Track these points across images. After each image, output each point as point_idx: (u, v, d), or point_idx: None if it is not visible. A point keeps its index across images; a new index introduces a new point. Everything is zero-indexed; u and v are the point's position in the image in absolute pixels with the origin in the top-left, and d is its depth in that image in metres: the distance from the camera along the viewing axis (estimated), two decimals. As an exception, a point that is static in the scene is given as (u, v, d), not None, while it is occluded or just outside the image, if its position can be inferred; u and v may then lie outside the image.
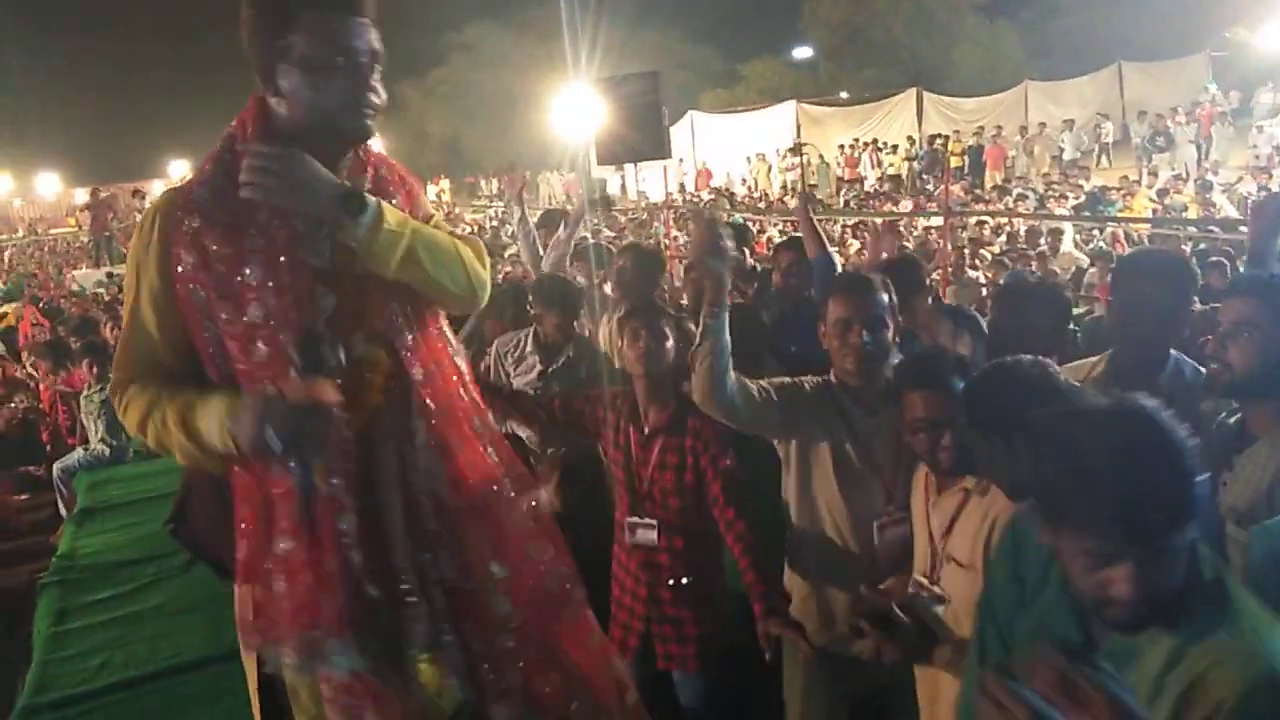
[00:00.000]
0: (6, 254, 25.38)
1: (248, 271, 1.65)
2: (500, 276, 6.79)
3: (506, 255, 10.51)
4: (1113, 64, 22.43)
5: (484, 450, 1.89)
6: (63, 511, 6.03)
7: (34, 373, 8.20)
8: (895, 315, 2.53)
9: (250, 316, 1.66)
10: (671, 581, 2.77)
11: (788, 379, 2.57)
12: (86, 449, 6.30)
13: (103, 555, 4.65)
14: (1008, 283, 3.56)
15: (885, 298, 2.50)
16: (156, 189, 24.24)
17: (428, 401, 1.82)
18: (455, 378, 1.89)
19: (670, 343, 2.79)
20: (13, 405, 7.86)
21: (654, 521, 2.77)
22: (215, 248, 1.66)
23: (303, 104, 1.68)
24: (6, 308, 14.25)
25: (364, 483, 1.76)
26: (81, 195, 25.50)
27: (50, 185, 35.40)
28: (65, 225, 28.77)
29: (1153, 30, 22.82)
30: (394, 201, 1.80)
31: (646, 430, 2.81)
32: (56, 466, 6.33)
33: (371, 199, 1.70)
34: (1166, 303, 2.55)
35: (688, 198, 22.45)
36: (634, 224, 16.59)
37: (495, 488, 1.88)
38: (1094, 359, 2.72)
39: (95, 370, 6.27)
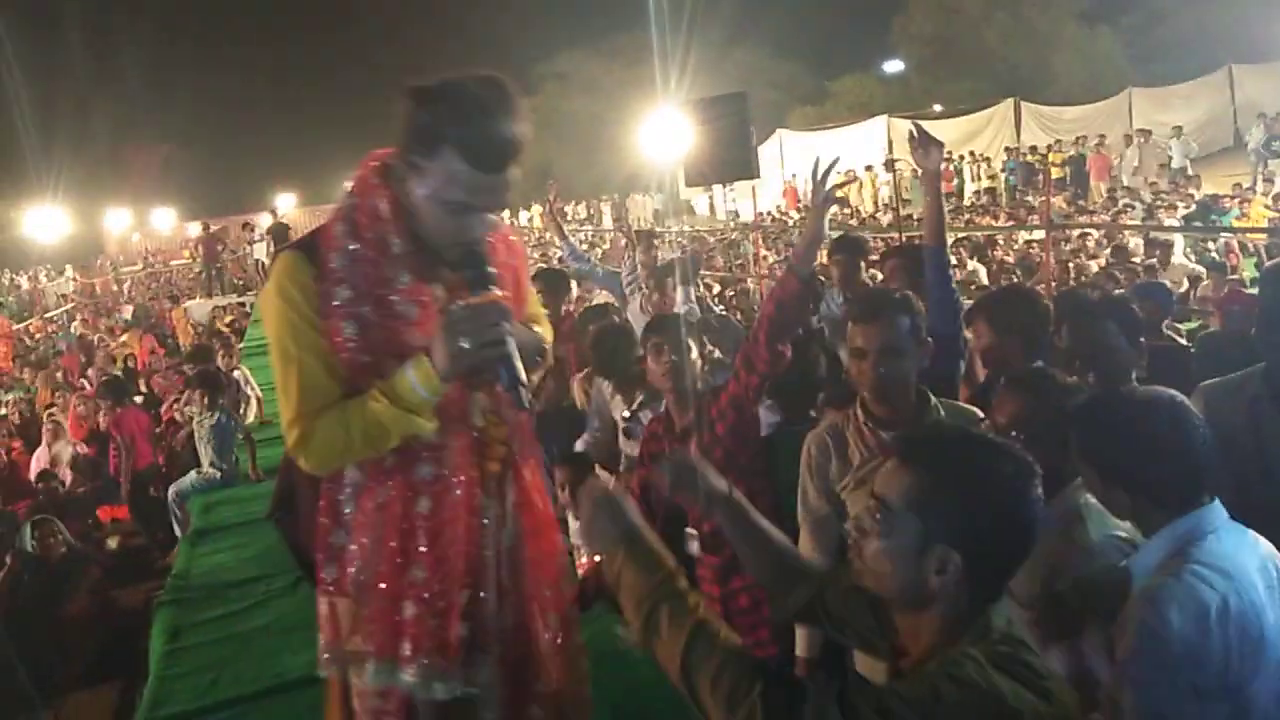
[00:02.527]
0: (126, 285, 26.71)
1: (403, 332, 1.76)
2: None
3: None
4: (1223, 66, 21.45)
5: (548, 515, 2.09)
6: (177, 532, 6.27)
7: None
8: (919, 337, 2.45)
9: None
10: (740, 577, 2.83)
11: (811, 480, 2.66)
12: (199, 472, 6.55)
13: (215, 575, 4.81)
14: (1076, 302, 3.32)
15: (905, 322, 2.41)
16: (265, 221, 25.24)
17: (524, 472, 1.98)
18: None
19: (695, 354, 2.93)
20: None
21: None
22: (369, 310, 1.73)
23: (425, 216, 1.72)
24: (127, 335, 14.99)
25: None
26: (194, 228, 26.74)
27: (166, 219, 37.23)
28: (180, 257, 30.14)
29: (1264, 31, 21.78)
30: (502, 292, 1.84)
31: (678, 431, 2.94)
32: (171, 489, 6.59)
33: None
34: None
35: (778, 216, 22.29)
36: (723, 244, 16.54)
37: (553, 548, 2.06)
38: (1240, 375, 2.47)
39: (206, 398, 6.52)
